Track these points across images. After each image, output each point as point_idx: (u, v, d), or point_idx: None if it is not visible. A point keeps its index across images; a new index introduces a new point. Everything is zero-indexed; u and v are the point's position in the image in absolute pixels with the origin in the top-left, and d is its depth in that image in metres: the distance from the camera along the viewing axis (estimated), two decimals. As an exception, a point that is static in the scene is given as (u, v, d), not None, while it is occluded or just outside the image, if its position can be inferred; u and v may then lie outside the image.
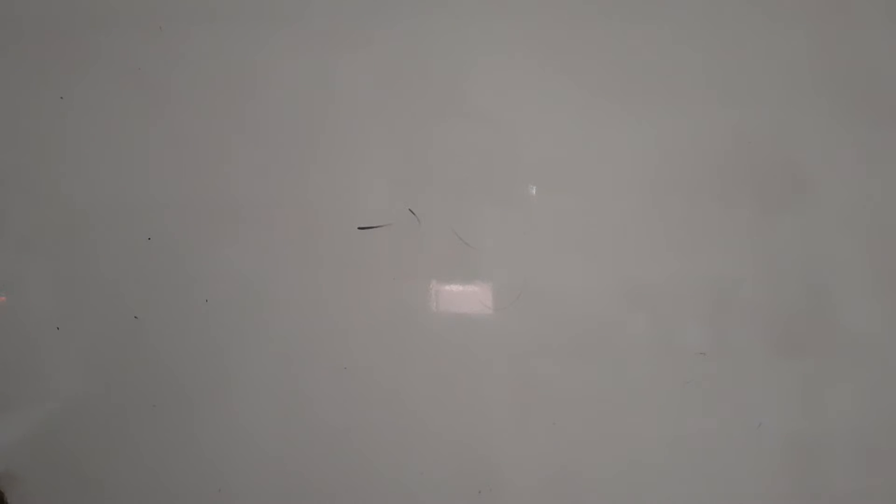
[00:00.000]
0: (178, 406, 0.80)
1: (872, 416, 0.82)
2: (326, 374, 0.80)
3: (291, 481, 0.81)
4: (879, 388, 0.82)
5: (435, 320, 0.80)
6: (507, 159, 0.80)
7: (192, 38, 0.79)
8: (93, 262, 0.79)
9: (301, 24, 0.79)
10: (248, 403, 0.80)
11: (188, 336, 0.79)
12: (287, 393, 0.80)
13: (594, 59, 0.80)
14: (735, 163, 0.81)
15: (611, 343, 0.81)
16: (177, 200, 0.79)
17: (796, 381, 0.81)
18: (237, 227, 0.79)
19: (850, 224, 0.81)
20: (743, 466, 0.82)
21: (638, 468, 0.82)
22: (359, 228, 0.78)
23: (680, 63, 0.80)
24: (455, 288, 0.80)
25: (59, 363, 0.80)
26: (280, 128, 0.79)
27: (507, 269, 0.80)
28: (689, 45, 0.80)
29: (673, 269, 0.80)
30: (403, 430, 0.81)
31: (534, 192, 0.80)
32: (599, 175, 0.80)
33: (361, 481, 0.81)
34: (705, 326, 0.81)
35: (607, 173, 0.80)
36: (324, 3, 0.79)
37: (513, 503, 0.82)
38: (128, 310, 0.79)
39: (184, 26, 0.79)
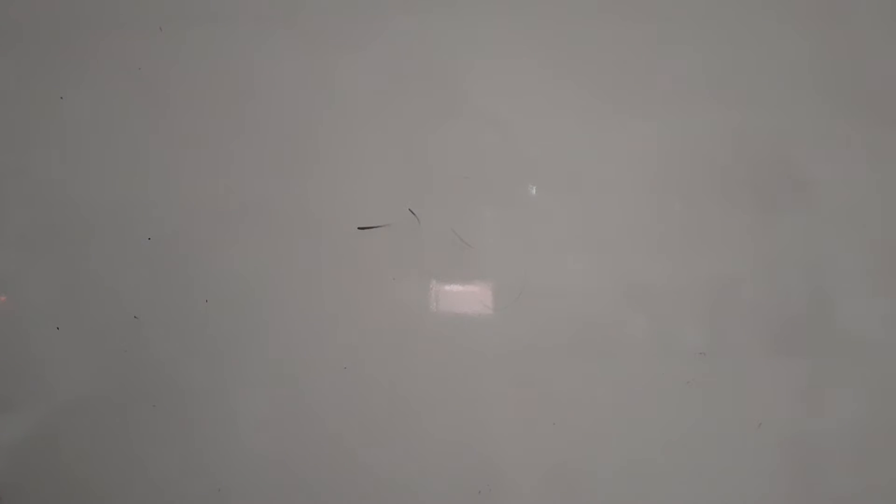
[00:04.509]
0: (178, 406, 0.80)
1: (872, 416, 0.82)
2: (326, 374, 0.80)
3: (291, 481, 0.81)
4: (879, 388, 0.82)
5: (435, 320, 0.80)
6: (507, 159, 0.79)
7: (192, 38, 0.79)
8: (93, 262, 0.79)
9: (301, 24, 0.79)
10: (248, 403, 0.80)
11: (188, 336, 0.79)
12: (287, 393, 0.81)
13: (594, 58, 0.80)
14: (735, 163, 0.80)
15: (611, 343, 0.81)
16: (177, 200, 0.79)
17: (796, 381, 0.81)
18: (237, 227, 0.79)
19: (850, 224, 0.81)
20: (743, 466, 0.82)
21: (638, 468, 0.82)
22: (359, 228, 0.78)
23: (680, 63, 0.80)
24: (455, 288, 0.80)
25: (59, 363, 0.80)
26: (280, 128, 0.79)
27: (507, 269, 0.80)
28: (689, 45, 0.80)
29: (673, 269, 0.80)
30: (403, 430, 0.81)
31: (534, 192, 0.80)
32: (599, 175, 0.80)
33: (361, 481, 0.81)
34: (705, 326, 0.81)
35: (607, 173, 0.80)
36: (324, 3, 0.79)
37: (513, 503, 0.82)
38: (128, 310, 0.79)
39: (184, 26, 0.79)
